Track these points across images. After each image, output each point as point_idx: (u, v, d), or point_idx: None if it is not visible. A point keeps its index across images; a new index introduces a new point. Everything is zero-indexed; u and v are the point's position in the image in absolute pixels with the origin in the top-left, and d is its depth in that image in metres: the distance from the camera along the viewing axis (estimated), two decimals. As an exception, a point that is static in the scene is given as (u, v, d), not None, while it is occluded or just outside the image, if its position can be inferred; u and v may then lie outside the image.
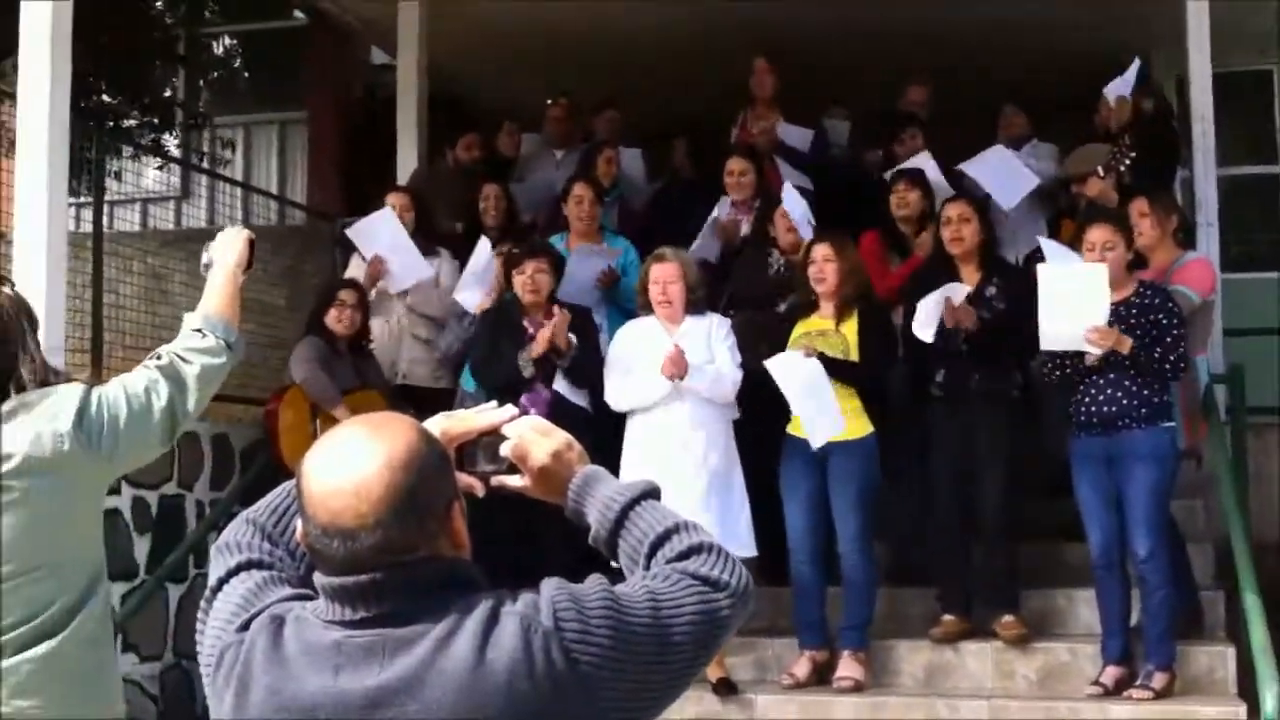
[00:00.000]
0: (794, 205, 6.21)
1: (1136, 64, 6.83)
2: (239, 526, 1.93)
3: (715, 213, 6.68)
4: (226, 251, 2.98)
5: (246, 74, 12.55)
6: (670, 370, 5.43)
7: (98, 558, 2.66)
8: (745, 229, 6.71)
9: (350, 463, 1.64)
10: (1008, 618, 5.53)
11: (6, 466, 2.47)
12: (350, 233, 6.85)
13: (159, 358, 2.74)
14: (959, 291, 5.52)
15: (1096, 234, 5.33)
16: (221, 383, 2.82)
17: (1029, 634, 5.53)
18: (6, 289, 2.64)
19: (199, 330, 2.80)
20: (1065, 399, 5.37)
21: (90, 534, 2.66)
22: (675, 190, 7.74)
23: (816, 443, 5.37)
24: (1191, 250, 6.14)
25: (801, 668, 5.51)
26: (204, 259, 3.01)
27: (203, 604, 1.84)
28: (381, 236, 6.63)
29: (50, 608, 2.50)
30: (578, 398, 5.84)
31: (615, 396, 5.67)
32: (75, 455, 2.51)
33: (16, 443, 2.48)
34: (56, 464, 2.50)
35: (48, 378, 2.60)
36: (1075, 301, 5.11)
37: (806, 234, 6.05)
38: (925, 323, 5.45)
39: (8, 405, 2.51)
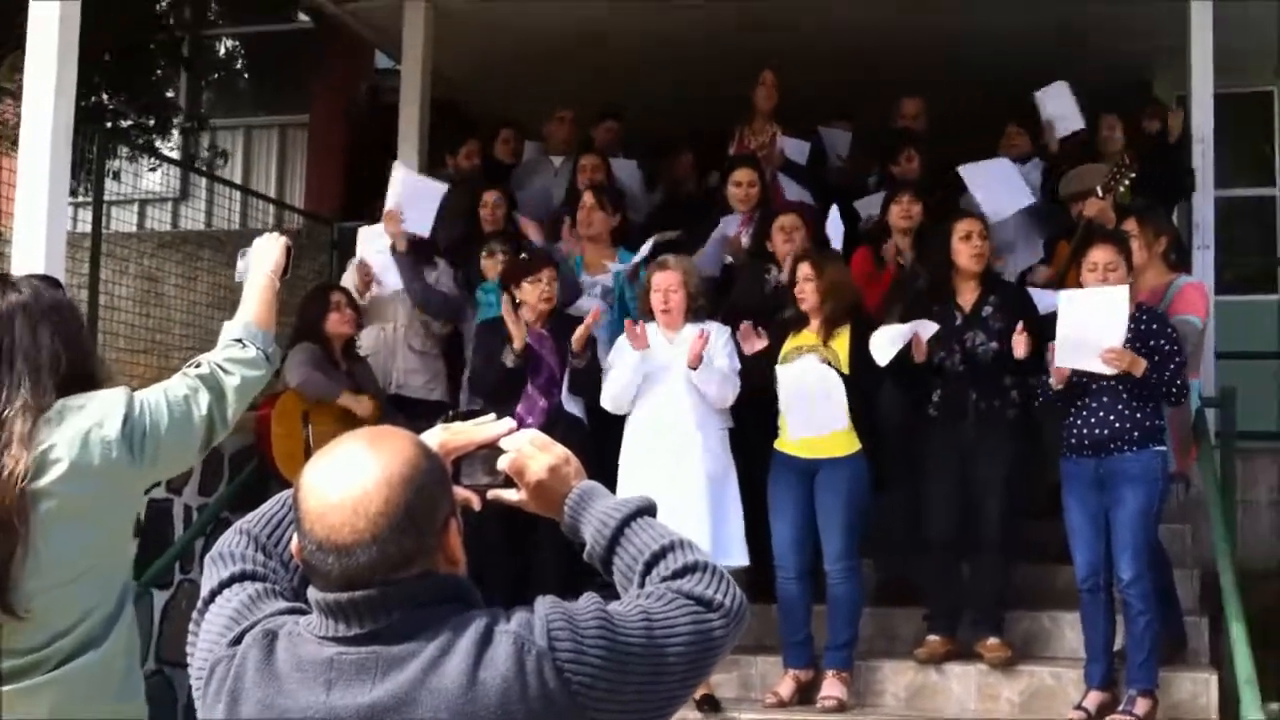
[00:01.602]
0: (834, 230, 6.23)
1: (1063, 86, 6.94)
2: (233, 537, 1.93)
3: (722, 228, 6.67)
4: (264, 258, 2.97)
5: (248, 76, 12.56)
6: (691, 356, 5.48)
7: (128, 564, 2.66)
8: (745, 241, 6.73)
9: (349, 478, 1.65)
10: (992, 640, 5.53)
11: (54, 473, 2.44)
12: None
13: (199, 366, 2.72)
14: (927, 329, 5.55)
15: (1100, 254, 5.35)
16: (257, 392, 2.81)
17: (1013, 657, 5.54)
18: (18, 293, 2.58)
19: (239, 340, 2.79)
20: (1059, 421, 5.40)
21: (124, 540, 2.65)
22: (677, 203, 7.75)
23: (792, 435, 5.41)
24: (1185, 273, 6.16)
25: (785, 686, 5.51)
26: (239, 266, 3.00)
27: (195, 615, 1.85)
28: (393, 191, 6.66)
29: (91, 615, 2.49)
30: (574, 407, 5.88)
31: (605, 396, 5.73)
32: (120, 463, 2.49)
33: (63, 449, 2.45)
34: (101, 471, 2.47)
35: (93, 379, 2.58)
36: (1094, 323, 5.14)
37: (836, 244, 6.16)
38: (885, 346, 5.46)
39: (51, 411, 2.48)
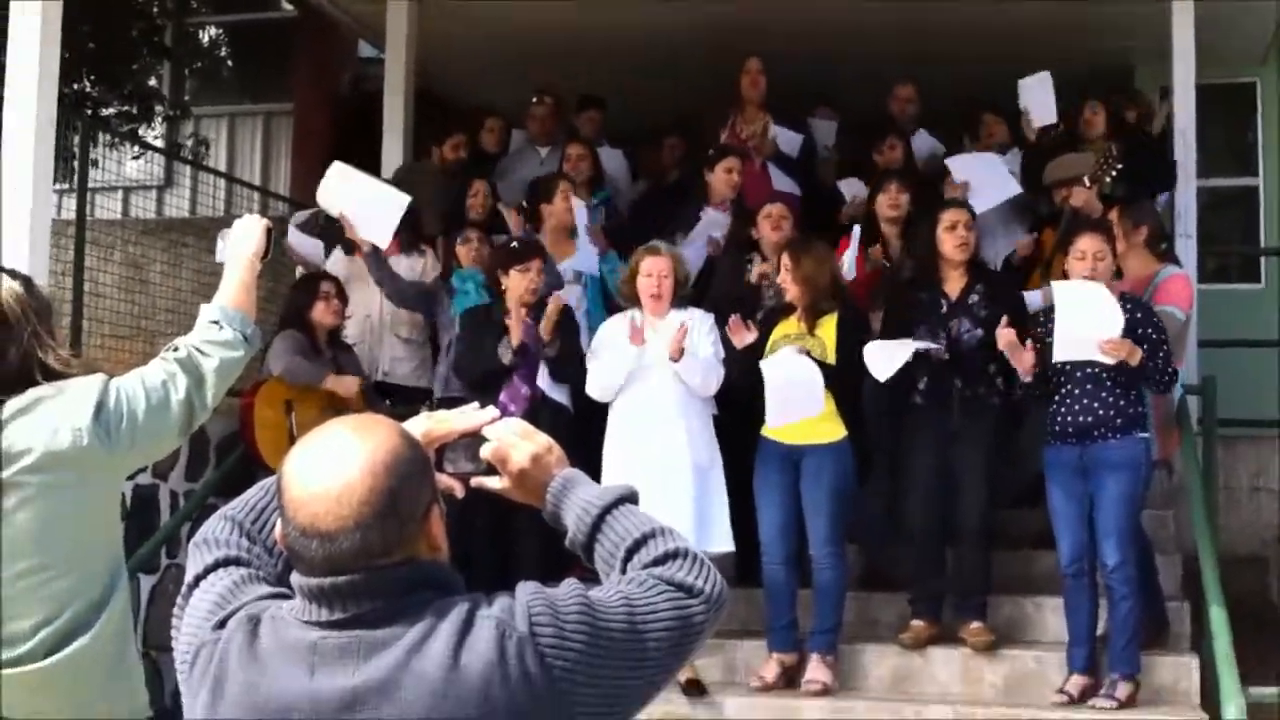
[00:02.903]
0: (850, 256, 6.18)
1: (1046, 77, 6.92)
2: (217, 523, 1.94)
3: (707, 227, 6.63)
4: (244, 240, 2.96)
5: (232, 64, 12.54)
6: (674, 348, 5.49)
7: (117, 551, 2.64)
8: (725, 228, 6.72)
9: (332, 466, 1.66)
10: (976, 624, 5.57)
11: (24, 462, 2.44)
12: (321, 198, 6.55)
13: (176, 349, 2.71)
14: (930, 349, 5.56)
15: (1088, 243, 5.38)
16: (238, 374, 2.80)
17: (997, 641, 5.57)
18: (9, 282, 2.58)
19: (216, 322, 2.78)
20: (1043, 409, 5.44)
21: (109, 527, 2.64)
22: (659, 191, 7.75)
23: (771, 423, 5.43)
24: (1171, 264, 6.19)
25: (770, 670, 5.54)
26: (219, 247, 2.98)
27: (179, 599, 1.86)
28: (342, 194, 6.43)
29: (74, 603, 2.49)
30: (559, 394, 5.90)
31: (592, 383, 5.73)
32: (93, 449, 2.48)
33: (34, 438, 2.45)
34: (74, 458, 2.47)
35: (65, 370, 2.56)
36: (1090, 315, 5.18)
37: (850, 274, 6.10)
38: (884, 364, 5.47)
39: (24, 399, 2.48)
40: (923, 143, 7.47)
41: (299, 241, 6.81)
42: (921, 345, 5.52)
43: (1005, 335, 5.37)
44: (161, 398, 2.61)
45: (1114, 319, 5.16)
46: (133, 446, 2.56)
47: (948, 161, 6.88)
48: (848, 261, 6.10)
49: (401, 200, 6.40)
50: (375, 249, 6.41)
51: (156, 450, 2.72)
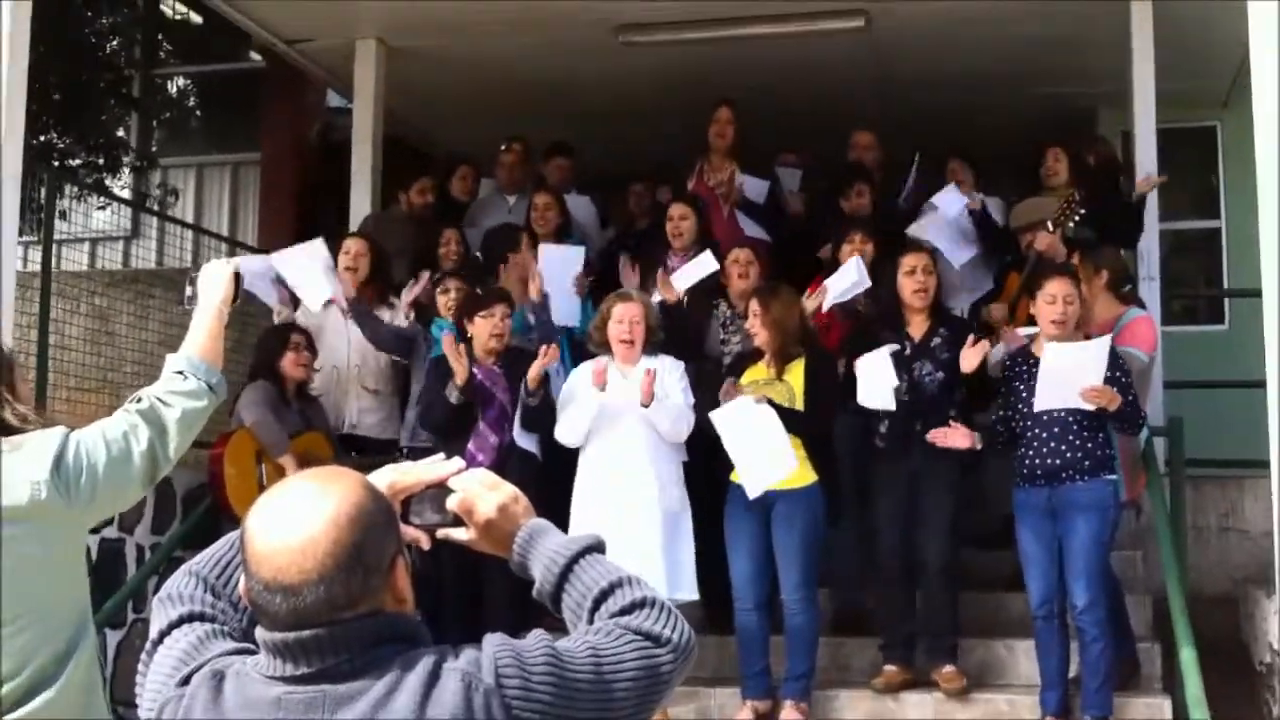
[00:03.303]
0: (839, 285, 6.18)
1: (916, 163, 7.04)
2: (182, 578, 1.92)
3: (696, 270, 6.64)
4: (211, 287, 2.93)
5: (199, 115, 12.55)
6: (645, 394, 5.48)
7: (82, 603, 2.60)
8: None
9: (296, 519, 1.65)
10: (948, 668, 5.57)
11: None
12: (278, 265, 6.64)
13: (139, 400, 2.69)
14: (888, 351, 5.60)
15: (1058, 286, 5.41)
16: (203, 425, 2.77)
17: (969, 685, 5.57)
18: None
19: (181, 372, 2.76)
20: (1009, 451, 5.47)
21: (73, 579, 2.60)
22: (628, 238, 7.77)
23: (753, 491, 5.41)
24: (1135, 307, 6.24)
25: (745, 717, 5.51)
26: (187, 292, 2.95)
27: (143, 656, 1.84)
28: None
29: (38, 657, 2.46)
30: (528, 443, 5.87)
31: (559, 429, 5.72)
32: (52, 502, 2.47)
33: None
34: (33, 511, 2.45)
35: (23, 426, 2.54)
36: (1075, 369, 5.22)
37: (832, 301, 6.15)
38: (880, 393, 5.50)
39: None
40: (951, 201, 7.04)
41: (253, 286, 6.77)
42: (890, 347, 5.56)
43: (974, 353, 5.42)
44: (123, 449, 2.59)
45: (1098, 368, 5.20)
46: (93, 499, 2.54)
47: (910, 230, 6.91)
48: (852, 278, 6.11)
49: (315, 246, 6.46)
50: (351, 299, 6.40)
51: (120, 502, 2.69)
